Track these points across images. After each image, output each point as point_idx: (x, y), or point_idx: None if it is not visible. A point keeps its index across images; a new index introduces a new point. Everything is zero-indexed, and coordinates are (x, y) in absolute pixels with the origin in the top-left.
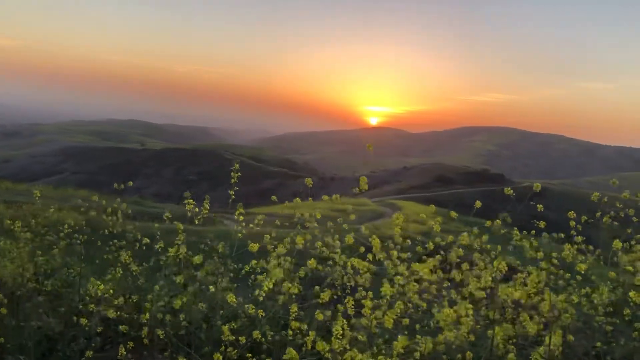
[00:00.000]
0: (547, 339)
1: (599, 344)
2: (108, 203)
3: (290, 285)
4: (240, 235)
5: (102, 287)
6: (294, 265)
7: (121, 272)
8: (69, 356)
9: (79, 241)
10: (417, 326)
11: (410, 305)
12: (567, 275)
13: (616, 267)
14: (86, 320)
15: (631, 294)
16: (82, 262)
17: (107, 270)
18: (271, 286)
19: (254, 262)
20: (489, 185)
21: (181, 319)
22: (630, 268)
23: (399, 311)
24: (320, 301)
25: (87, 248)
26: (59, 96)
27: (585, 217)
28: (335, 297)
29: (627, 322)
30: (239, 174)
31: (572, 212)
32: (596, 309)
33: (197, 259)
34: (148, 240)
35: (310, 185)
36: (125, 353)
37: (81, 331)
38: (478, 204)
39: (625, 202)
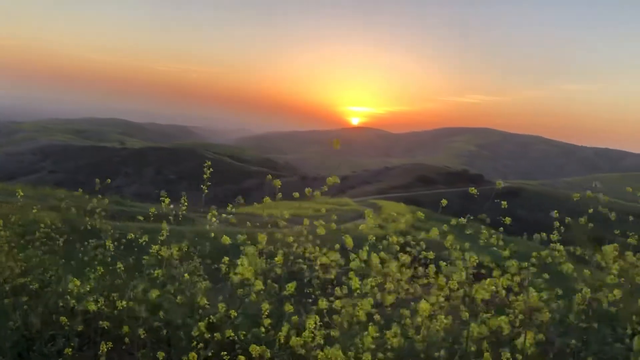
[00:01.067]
0: (521, 337)
1: (573, 341)
2: (86, 201)
3: (260, 282)
4: (212, 234)
5: (77, 283)
6: (269, 264)
7: (102, 270)
8: (47, 356)
9: (57, 240)
10: (394, 328)
11: (381, 298)
12: (546, 275)
13: (591, 266)
14: (66, 319)
15: (615, 291)
16: (61, 261)
17: (86, 268)
18: (236, 280)
19: (225, 259)
20: (469, 186)
21: (160, 317)
22: (605, 266)
23: (369, 306)
24: (286, 293)
25: (66, 247)
26: (37, 94)
27: (557, 215)
28: (312, 294)
29: (601, 320)
30: (211, 170)
31: (556, 211)
32: (571, 308)
33: (176, 252)
34: (133, 235)
35: (279, 186)
36: (105, 351)
37: (60, 330)
38: (444, 201)
39: (600, 203)
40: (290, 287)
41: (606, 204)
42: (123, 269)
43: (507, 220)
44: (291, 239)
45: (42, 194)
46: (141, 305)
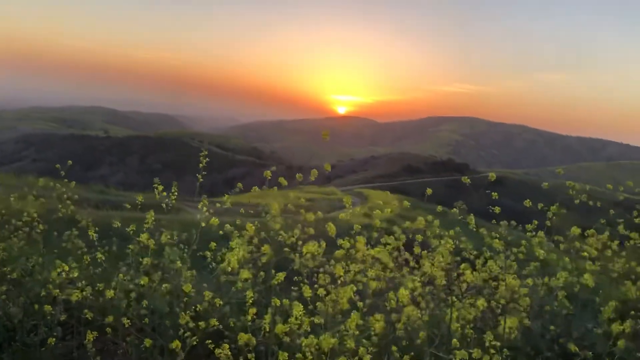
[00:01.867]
0: (502, 322)
1: (552, 327)
2: (68, 190)
3: (246, 272)
4: (202, 224)
5: (66, 268)
6: (257, 253)
7: (87, 259)
8: (29, 345)
9: (38, 230)
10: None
11: (365, 285)
12: (534, 264)
13: (570, 253)
14: (50, 308)
15: (586, 276)
16: (43, 250)
17: (67, 258)
18: (230, 269)
19: (212, 244)
20: (454, 175)
21: (144, 305)
22: (584, 254)
23: (352, 293)
24: (275, 282)
25: (47, 236)
26: (17, 82)
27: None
28: (299, 282)
29: (582, 307)
30: (207, 159)
31: (528, 200)
32: (552, 294)
33: (164, 237)
34: (119, 224)
35: (269, 178)
36: (92, 339)
37: (42, 320)
38: (429, 191)
39: (580, 191)
40: (280, 276)
41: (590, 193)
42: (104, 258)
43: (497, 209)
44: (278, 226)
45: (25, 183)
46: (125, 293)
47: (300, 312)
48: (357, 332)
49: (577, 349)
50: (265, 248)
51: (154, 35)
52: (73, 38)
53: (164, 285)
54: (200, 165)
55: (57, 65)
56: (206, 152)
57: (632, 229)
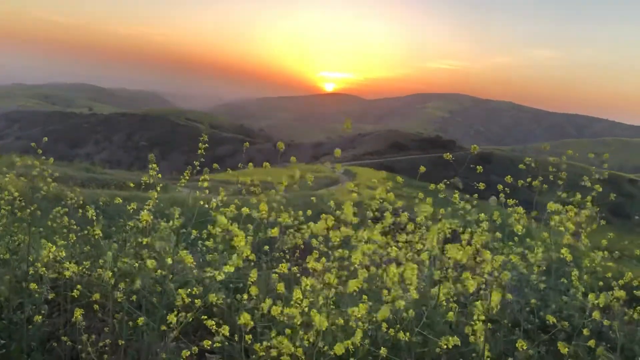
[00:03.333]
0: (486, 295)
1: (533, 300)
2: (46, 167)
3: (247, 250)
4: (191, 201)
5: (53, 248)
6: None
7: (74, 237)
8: (15, 323)
9: (23, 207)
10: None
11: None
12: (515, 240)
13: (549, 228)
14: (36, 286)
15: (563, 250)
16: (29, 228)
17: (54, 236)
18: (238, 263)
19: (210, 227)
20: (441, 152)
21: (136, 283)
22: (562, 229)
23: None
24: (278, 270)
25: (33, 214)
26: None
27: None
28: (288, 262)
29: (557, 278)
30: (201, 138)
31: (509, 176)
32: (530, 268)
33: (145, 216)
34: (103, 201)
35: (282, 149)
36: (80, 317)
37: (28, 298)
38: (422, 168)
39: (559, 166)
40: (283, 267)
41: (575, 170)
42: (100, 234)
43: (482, 185)
44: (264, 207)
45: (8, 161)
46: (112, 271)
47: (299, 297)
48: (361, 319)
49: (554, 320)
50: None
51: (138, 11)
52: (55, 13)
53: (148, 262)
54: (199, 151)
55: (39, 41)
56: (206, 138)
57: (611, 204)
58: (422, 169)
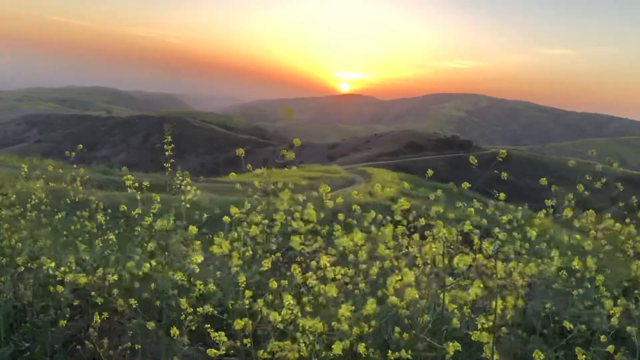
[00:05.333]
0: (492, 304)
1: (548, 305)
2: (72, 171)
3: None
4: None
5: (85, 256)
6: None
7: (100, 243)
8: (39, 326)
9: (46, 212)
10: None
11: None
12: (528, 245)
13: (571, 231)
14: (62, 288)
15: (588, 259)
16: (51, 233)
17: (75, 241)
18: (238, 263)
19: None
20: (458, 152)
21: (152, 287)
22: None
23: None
24: (264, 268)
25: (55, 218)
26: (15, 62)
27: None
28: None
29: (580, 285)
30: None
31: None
32: (549, 273)
33: (165, 223)
34: (125, 208)
35: (293, 156)
36: (99, 321)
37: (51, 302)
38: (430, 172)
39: (588, 169)
40: (266, 263)
41: (599, 171)
42: (115, 239)
43: (502, 196)
44: (281, 215)
45: (30, 164)
46: (132, 276)
47: (290, 301)
48: (349, 317)
49: (572, 326)
50: (253, 230)
51: (155, 14)
52: (73, 17)
53: (166, 268)
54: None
55: (57, 45)
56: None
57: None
58: (430, 172)
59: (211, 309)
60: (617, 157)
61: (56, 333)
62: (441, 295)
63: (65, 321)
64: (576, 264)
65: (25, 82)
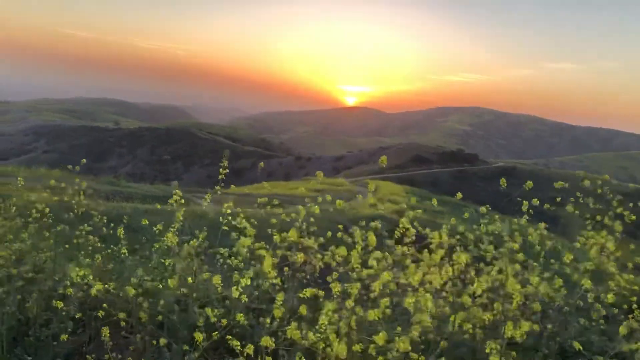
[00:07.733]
0: (503, 328)
1: (550, 326)
2: (79, 182)
3: (273, 272)
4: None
5: (81, 272)
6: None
7: (99, 258)
8: (42, 340)
9: (50, 223)
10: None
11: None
12: (537, 261)
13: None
14: (62, 304)
15: (583, 281)
16: (55, 245)
17: (78, 254)
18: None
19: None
20: (463, 165)
21: (160, 303)
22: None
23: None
24: (303, 294)
25: (59, 230)
26: (23, 74)
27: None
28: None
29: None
30: (228, 155)
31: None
32: (551, 292)
33: (173, 238)
34: (147, 222)
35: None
36: (107, 335)
37: (55, 315)
38: (434, 201)
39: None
40: (308, 292)
41: (599, 185)
42: (126, 253)
43: (525, 217)
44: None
45: (37, 175)
46: (137, 289)
47: (325, 322)
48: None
49: (580, 347)
50: (278, 236)
51: (162, 27)
52: (80, 29)
53: (171, 281)
54: (223, 171)
55: (65, 56)
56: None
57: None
58: (435, 201)
59: (243, 318)
60: (624, 172)
61: (59, 347)
62: (451, 318)
63: (67, 335)
64: (586, 284)
65: (33, 93)
